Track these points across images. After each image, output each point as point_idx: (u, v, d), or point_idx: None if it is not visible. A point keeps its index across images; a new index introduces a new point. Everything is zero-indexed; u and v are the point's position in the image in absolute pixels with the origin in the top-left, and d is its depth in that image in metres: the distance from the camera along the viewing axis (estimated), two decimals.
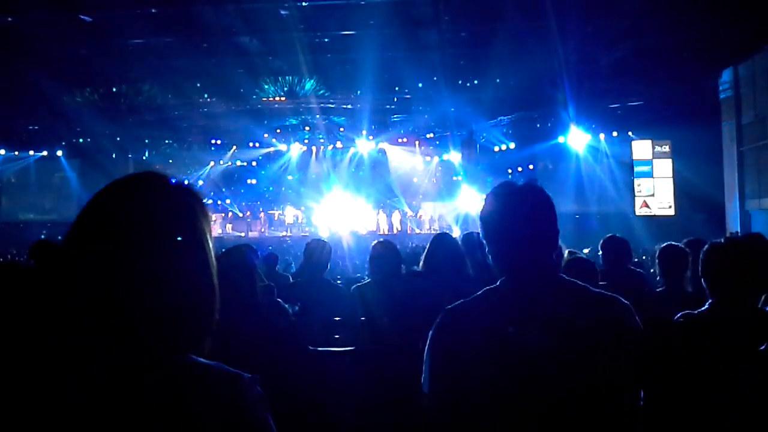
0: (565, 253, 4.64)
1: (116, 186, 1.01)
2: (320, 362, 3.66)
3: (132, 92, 16.29)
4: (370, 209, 20.37)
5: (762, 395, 1.90)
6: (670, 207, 16.93)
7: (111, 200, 1.00)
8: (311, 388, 3.11)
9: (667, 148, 17.15)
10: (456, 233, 13.95)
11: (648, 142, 17.24)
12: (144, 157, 20.96)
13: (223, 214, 21.15)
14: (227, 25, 11.61)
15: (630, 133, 17.31)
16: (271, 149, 20.85)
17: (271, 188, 21.97)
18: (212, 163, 21.56)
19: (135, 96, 16.35)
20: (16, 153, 19.74)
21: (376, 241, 4.12)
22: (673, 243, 3.85)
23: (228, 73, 14.77)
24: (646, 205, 17.12)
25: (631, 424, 1.50)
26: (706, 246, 2.45)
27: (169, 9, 10.87)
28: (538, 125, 18.28)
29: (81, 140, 19.71)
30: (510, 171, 18.86)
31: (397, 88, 16.12)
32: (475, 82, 14.85)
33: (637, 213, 16.99)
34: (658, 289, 3.94)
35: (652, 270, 6.10)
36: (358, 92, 16.11)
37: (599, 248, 4.75)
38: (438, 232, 6.17)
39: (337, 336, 4.28)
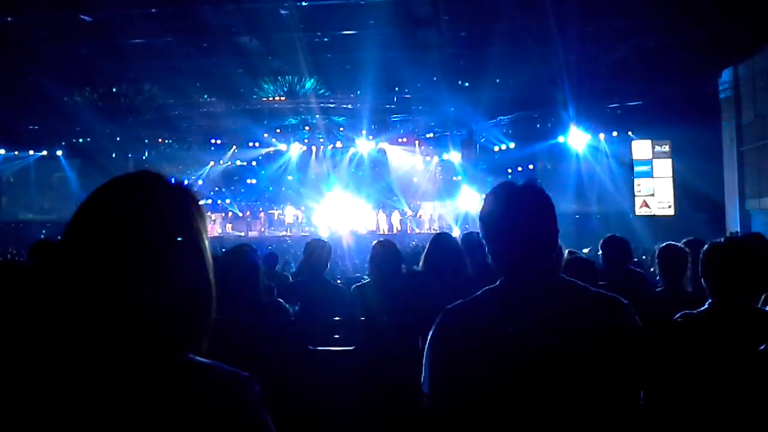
0: (565, 253, 4.64)
1: (112, 185, 1.01)
2: (320, 362, 3.66)
3: (132, 92, 16.29)
4: (370, 209, 20.37)
5: (762, 395, 1.90)
6: (669, 207, 16.93)
7: (106, 199, 1.00)
8: (311, 388, 3.11)
9: (667, 148, 17.14)
10: (456, 233, 13.96)
11: (648, 142, 17.23)
12: (144, 157, 20.96)
13: (223, 214, 21.15)
14: (227, 24, 11.60)
15: (630, 133, 17.30)
16: (271, 149, 20.85)
17: (271, 188, 21.97)
18: (212, 163, 21.56)
19: (135, 96, 16.35)
20: (16, 153, 19.73)
21: (376, 241, 4.12)
22: (672, 243, 3.85)
23: (228, 73, 14.75)
24: (646, 205, 17.11)
25: (632, 423, 1.50)
26: (706, 246, 2.45)
27: (169, 9, 10.86)
28: (538, 125, 18.28)
29: (81, 140, 19.70)
30: (510, 171, 18.85)
31: (396, 89, 16.12)
32: (475, 81, 14.84)
33: (636, 213, 16.99)
34: (657, 289, 3.95)
35: (652, 269, 6.10)
36: (358, 92, 16.11)
37: (599, 248, 4.75)
38: (438, 231, 6.18)
39: (337, 336, 4.28)
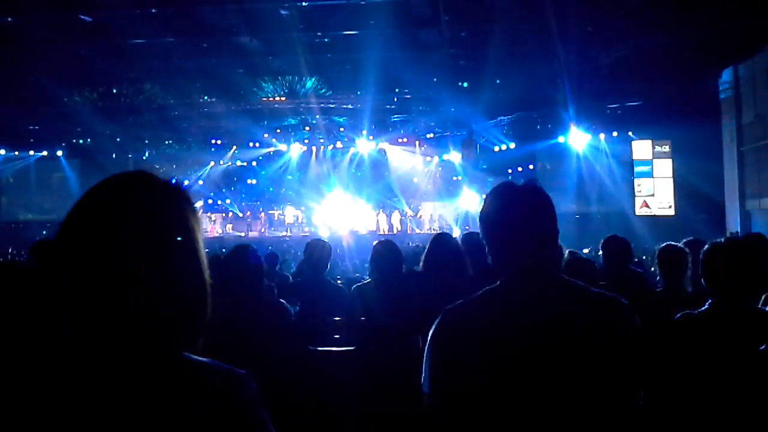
0: (565, 253, 4.65)
1: (105, 185, 1.01)
2: (320, 362, 3.66)
3: (132, 92, 16.28)
4: (370, 209, 20.38)
5: (762, 395, 1.90)
6: (670, 207, 16.94)
7: (100, 199, 1.00)
8: (311, 388, 3.11)
9: (667, 148, 17.15)
10: (456, 233, 13.97)
11: (648, 142, 17.24)
12: (144, 157, 20.96)
13: (223, 214, 21.16)
14: (227, 24, 11.61)
15: (630, 133, 17.30)
16: (271, 149, 20.86)
17: (271, 188, 21.97)
18: (212, 163, 21.57)
19: (135, 96, 16.35)
20: (16, 153, 19.74)
21: (377, 241, 4.12)
22: (672, 243, 3.85)
23: (228, 73, 14.75)
24: (646, 205, 17.12)
25: (632, 423, 1.50)
26: (706, 246, 2.45)
27: (169, 9, 10.86)
28: (538, 125, 18.28)
29: (81, 140, 19.71)
30: (510, 171, 18.86)
31: (396, 90, 16.12)
32: (475, 82, 14.84)
33: (637, 213, 16.99)
34: (657, 289, 3.95)
35: (652, 269, 6.10)
36: (358, 92, 16.10)
37: (599, 248, 4.75)
38: (438, 232, 6.18)
39: (337, 336, 4.28)
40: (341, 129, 19.64)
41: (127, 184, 1.02)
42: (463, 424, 1.50)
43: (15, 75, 13.43)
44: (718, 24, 10.87)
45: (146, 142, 20.69)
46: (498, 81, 14.73)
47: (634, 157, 17.32)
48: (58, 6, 10.63)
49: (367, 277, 4.65)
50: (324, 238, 5.22)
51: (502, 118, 17.57)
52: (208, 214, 20.92)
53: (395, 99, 16.85)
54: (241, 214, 21.23)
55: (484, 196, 1.68)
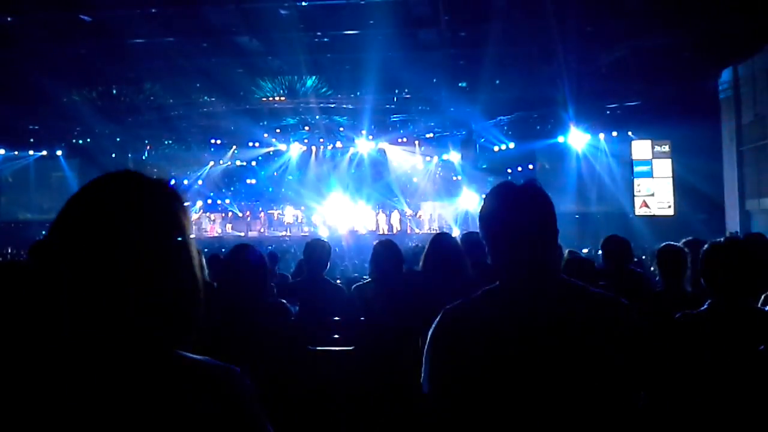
0: (565, 253, 4.65)
1: (94, 185, 1.02)
2: (320, 362, 3.66)
3: (132, 92, 16.28)
4: (370, 209, 20.39)
5: (761, 395, 1.90)
6: (669, 207, 16.94)
7: (90, 199, 1.00)
8: (311, 388, 3.11)
9: (666, 148, 17.15)
10: (455, 233, 13.97)
11: (647, 142, 17.24)
12: (144, 157, 20.95)
13: (222, 214, 21.15)
14: (227, 24, 11.61)
15: (630, 133, 17.30)
16: (271, 149, 20.85)
17: (270, 188, 21.97)
18: (212, 163, 21.56)
19: (135, 96, 16.34)
20: (16, 153, 19.72)
21: (377, 241, 4.12)
22: (671, 243, 3.85)
23: (228, 73, 14.76)
24: (646, 205, 17.12)
25: (632, 423, 1.50)
26: (706, 246, 2.46)
27: (169, 9, 10.86)
28: (538, 125, 18.29)
29: (80, 140, 19.70)
30: (510, 171, 18.87)
31: (396, 90, 16.12)
32: (475, 82, 14.84)
33: (636, 213, 16.99)
34: (657, 289, 3.95)
35: (652, 269, 6.10)
36: (358, 92, 16.10)
37: (599, 248, 4.75)
38: (437, 231, 6.18)
39: (336, 336, 4.28)
40: (341, 129, 19.64)
41: (116, 183, 1.03)
42: (463, 423, 1.50)
43: (15, 75, 13.42)
44: (718, 24, 10.88)
45: (146, 141, 20.68)
46: (497, 81, 14.73)
47: (634, 157, 17.32)
48: (58, 6, 10.62)
49: (367, 277, 4.65)
50: (323, 238, 5.22)
51: (502, 117, 17.57)
52: (208, 213, 20.92)
53: (395, 99, 16.85)
54: (240, 214, 21.23)
55: (483, 196, 1.68)
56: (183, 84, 15.47)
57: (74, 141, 19.77)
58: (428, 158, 21.27)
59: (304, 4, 10.89)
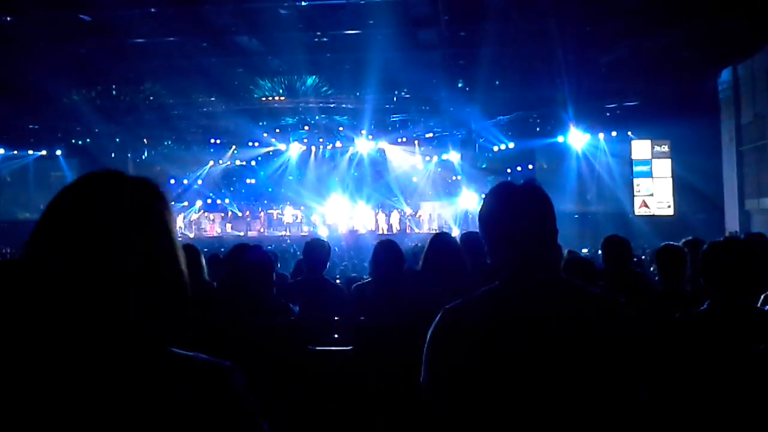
0: (565, 253, 4.65)
1: (77, 185, 1.03)
2: (320, 362, 3.66)
3: (132, 92, 16.28)
4: (370, 209, 20.39)
5: (761, 395, 1.90)
6: (669, 207, 16.95)
7: (72, 199, 1.01)
8: (311, 388, 3.11)
9: (666, 148, 17.16)
10: (455, 233, 13.97)
11: (647, 142, 17.25)
12: (143, 157, 20.95)
13: (222, 214, 21.15)
14: (227, 24, 11.61)
15: (629, 133, 17.31)
16: (271, 149, 20.85)
17: (270, 188, 21.97)
18: (212, 163, 21.56)
19: (135, 95, 16.34)
20: (15, 152, 19.71)
21: (378, 241, 4.13)
22: (671, 243, 3.86)
23: (228, 72, 14.76)
24: (646, 205, 17.13)
25: (632, 423, 1.51)
26: (706, 245, 2.46)
27: (169, 8, 10.85)
28: (538, 125, 18.29)
29: (80, 140, 19.69)
30: (509, 170, 18.87)
31: (396, 90, 16.12)
32: (474, 81, 14.85)
33: (636, 213, 17.01)
34: (657, 289, 3.95)
35: (652, 269, 6.11)
36: (358, 92, 16.10)
37: (599, 248, 4.75)
38: (437, 231, 6.18)
39: (336, 336, 4.28)
40: (340, 128, 19.65)
41: (98, 183, 1.04)
42: (463, 422, 1.50)
43: (15, 74, 13.42)
44: (718, 24, 10.88)
45: (146, 141, 20.67)
46: (497, 81, 14.74)
47: (633, 157, 17.33)
48: (58, 6, 10.62)
49: (367, 277, 4.66)
50: (323, 238, 5.22)
51: (501, 117, 17.58)
52: (208, 213, 20.93)
53: (395, 99, 16.85)
54: (240, 214, 21.23)
55: (483, 196, 1.68)
56: (183, 84, 15.46)
57: (74, 141, 19.77)
58: (428, 158, 21.27)
59: (304, 3, 10.89)
